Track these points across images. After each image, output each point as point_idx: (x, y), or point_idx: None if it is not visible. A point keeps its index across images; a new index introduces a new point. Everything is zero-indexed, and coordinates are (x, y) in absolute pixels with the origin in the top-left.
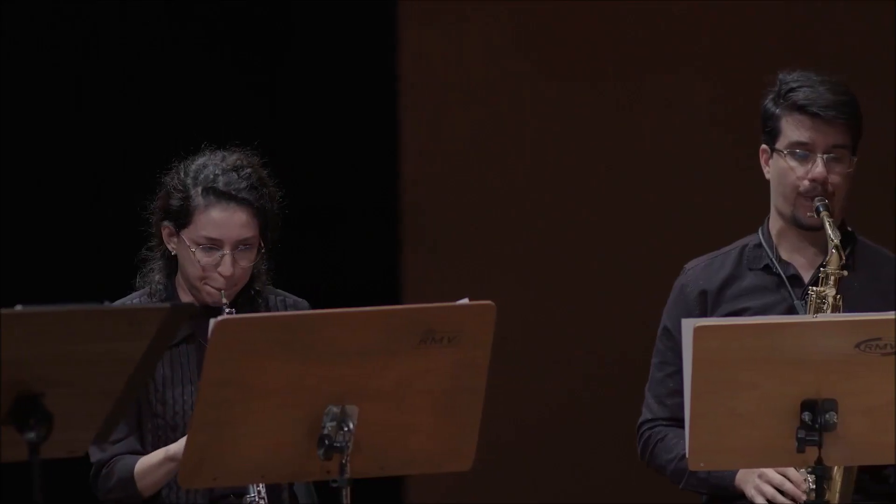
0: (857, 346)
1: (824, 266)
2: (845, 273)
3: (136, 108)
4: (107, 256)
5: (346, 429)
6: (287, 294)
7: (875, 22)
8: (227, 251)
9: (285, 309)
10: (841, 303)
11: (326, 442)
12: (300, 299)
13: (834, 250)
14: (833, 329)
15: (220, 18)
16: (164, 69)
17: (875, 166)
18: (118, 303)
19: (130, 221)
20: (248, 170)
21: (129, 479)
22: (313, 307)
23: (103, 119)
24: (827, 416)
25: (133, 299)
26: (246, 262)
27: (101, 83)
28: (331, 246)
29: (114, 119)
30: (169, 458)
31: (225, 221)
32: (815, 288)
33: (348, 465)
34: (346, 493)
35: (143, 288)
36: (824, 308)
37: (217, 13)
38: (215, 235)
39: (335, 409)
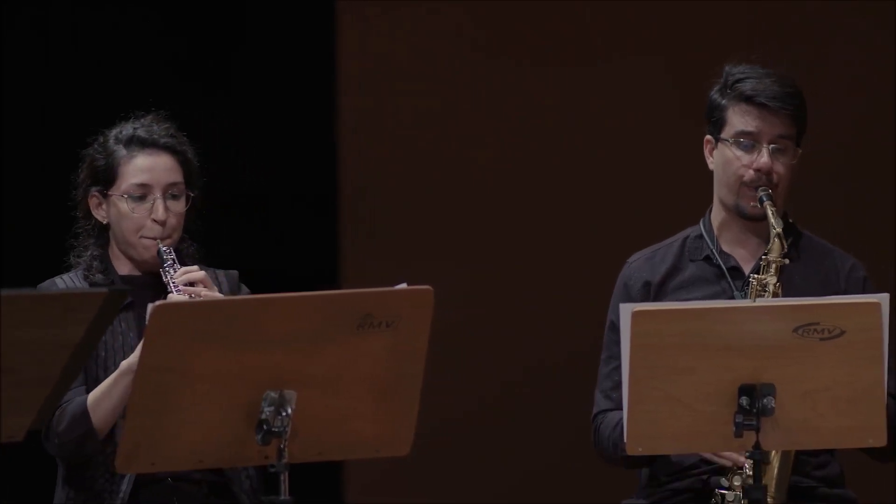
0: (795, 330)
1: (766, 254)
2: (787, 261)
3: (55, 89)
4: (33, 241)
5: (283, 414)
6: (217, 269)
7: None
8: (157, 195)
9: (218, 282)
10: (780, 290)
11: (264, 427)
12: (231, 271)
13: (776, 238)
14: (771, 314)
15: (156, 5)
16: (96, 54)
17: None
18: (49, 282)
19: (57, 205)
20: (165, 124)
21: (83, 414)
22: (253, 292)
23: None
24: (765, 400)
25: (71, 276)
26: (177, 209)
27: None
28: (270, 231)
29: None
30: (124, 373)
31: (151, 166)
32: (756, 276)
33: (286, 449)
34: (285, 478)
35: (79, 265)
36: (765, 296)
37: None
38: (144, 180)
39: (273, 395)
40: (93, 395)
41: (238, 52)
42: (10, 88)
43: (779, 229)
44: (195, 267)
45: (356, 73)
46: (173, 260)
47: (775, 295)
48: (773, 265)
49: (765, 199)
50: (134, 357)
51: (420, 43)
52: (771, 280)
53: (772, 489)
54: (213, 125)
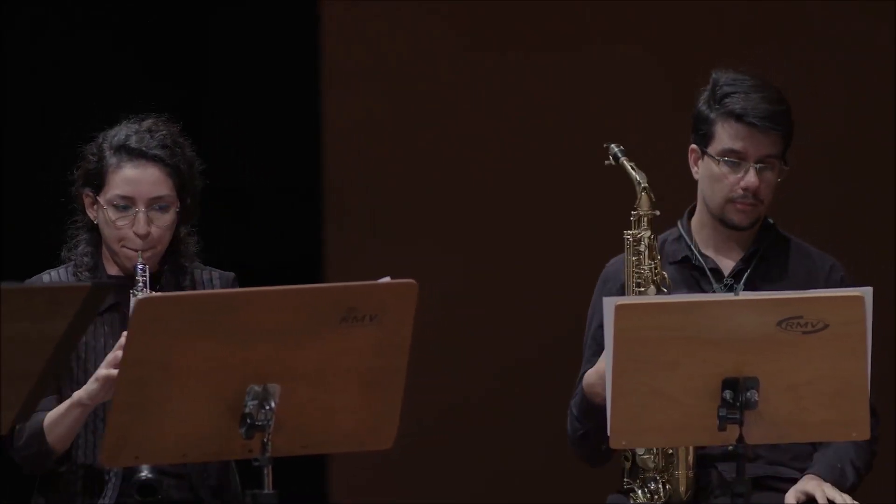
0: (779, 324)
1: (635, 209)
2: (657, 213)
3: (53, 87)
4: (28, 238)
5: (267, 407)
6: (214, 269)
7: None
8: (140, 209)
9: (212, 284)
10: (656, 243)
11: (248, 420)
12: (228, 273)
13: (643, 192)
14: (754, 307)
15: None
16: (84, 48)
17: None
18: (37, 277)
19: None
20: (163, 132)
21: (39, 433)
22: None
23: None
24: (748, 394)
25: (59, 272)
26: (162, 222)
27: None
28: (253, 223)
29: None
30: (75, 405)
31: (136, 178)
32: (629, 231)
33: (270, 443)
34: (268, 472)
35: (70, 261)
36: (641, 249)
37: None
38: (127, 193)
39: (257, 388)
40: (48, 418)
41: (223, 45)
42: (10, 88)
43: (644, 183)
44: None
45: (340, 64)
46: (144, 283)
47: (650, 248)
48: (645, 219)
49: (619, 155)
50: (83, 392)
51: (405, 35)
52: (645, 234)
53: (683, 485)
54: (197, 116)
